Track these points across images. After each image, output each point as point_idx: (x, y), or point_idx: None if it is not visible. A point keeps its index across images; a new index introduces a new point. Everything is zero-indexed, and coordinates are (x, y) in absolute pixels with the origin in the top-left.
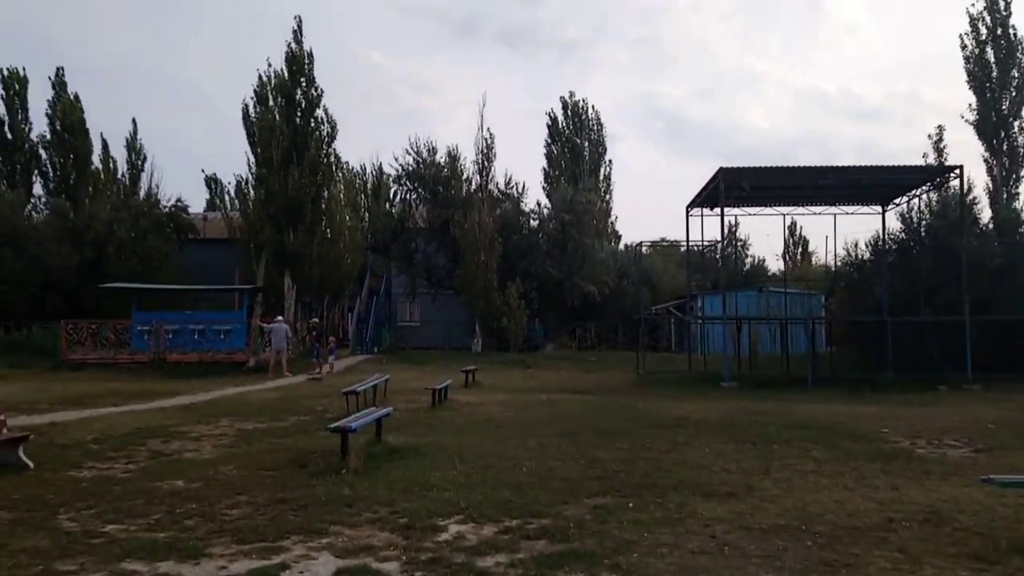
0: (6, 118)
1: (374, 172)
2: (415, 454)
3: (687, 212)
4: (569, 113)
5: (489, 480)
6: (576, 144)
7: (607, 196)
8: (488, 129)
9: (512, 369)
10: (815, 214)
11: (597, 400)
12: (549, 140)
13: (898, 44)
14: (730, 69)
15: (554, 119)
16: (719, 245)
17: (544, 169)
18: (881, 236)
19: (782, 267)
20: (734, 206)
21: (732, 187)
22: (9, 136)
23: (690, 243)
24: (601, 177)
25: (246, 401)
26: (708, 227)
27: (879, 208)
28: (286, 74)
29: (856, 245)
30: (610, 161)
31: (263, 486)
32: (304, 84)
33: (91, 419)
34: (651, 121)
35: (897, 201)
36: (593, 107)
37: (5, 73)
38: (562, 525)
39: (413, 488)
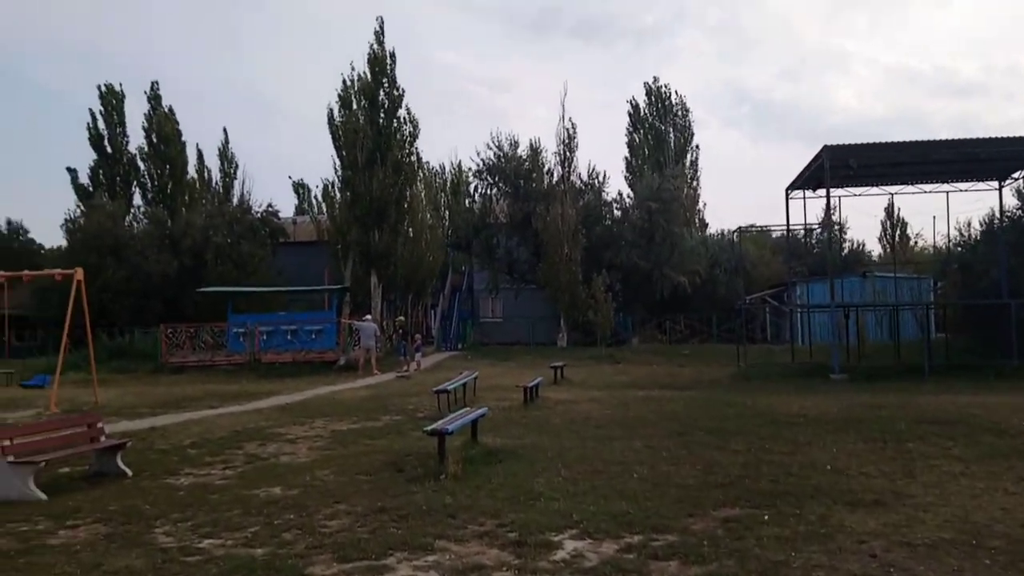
0: (105, 132)
1: (453, 170)
2: (514, 457)
3: (787, 195)
4: (652, 99)
5: (599, 488)
6: (660, 130)
7: (694, 183)
8: (569, 119)
9: (601, 364)
10: (925, 192)
11: (699, 396)
12: (631, 128)
13: (993, 16)
14: (816, 49)
15: (635, 106)
16: (817, 228)
17: (626, 158)
18: (998, 213)
19: (882, 250)
20: (838, 186)
21: (838, 166)
22: (109, 149)
23: (791, 227)
24: (688, 163)
25: (338, 400)
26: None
27: (995, 183)
28: (368, 76)
29: (968, 224)
30: (697, 147)
31: (361, 493)
32: (386, 85)
33: (190, 423)
34: (736, 106)
35: (1016, 175)
36: (677, 92)
37: (103, 89)
38: (692, 542)
39: (518, 497)
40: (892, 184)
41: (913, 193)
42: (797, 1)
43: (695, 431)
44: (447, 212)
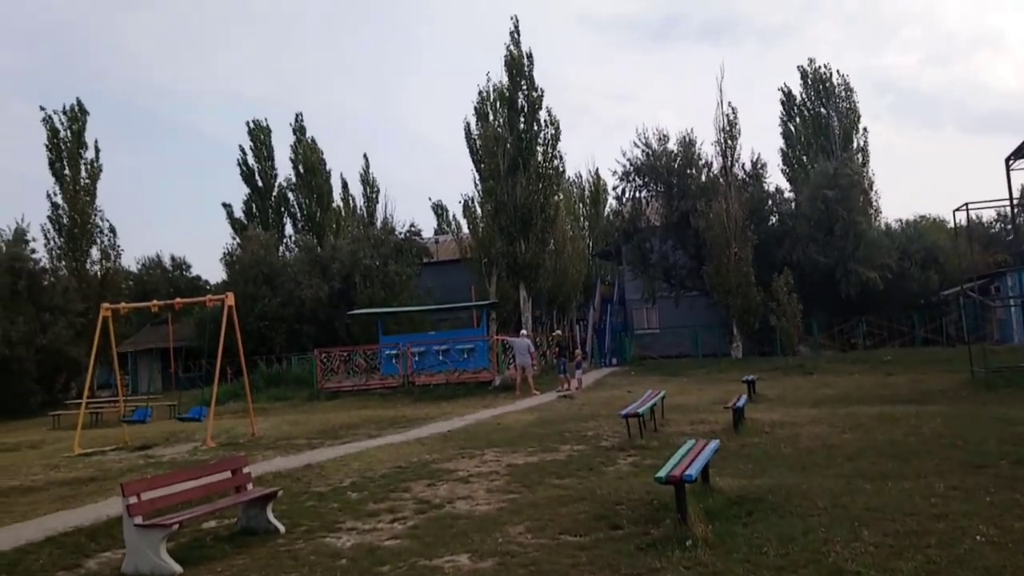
0: (256, 166)
1: (590, 179)
2: (769, 508)
3: (1007, 165)
4: (809, 82)
5: (938, 561)
6: (821, 115)
7: (865, 168)
8: (729, 103)
9: (791, 376)
10: None
11: (950, 411)
12: (784, 117)
13: None
14: (963, 29)
15: (788, 94)
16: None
17: (781, 150)
18: None
19: None
20: None
21: None
22: (259, 183)
23: (1013, 201)
24: (855, 148)
25: (504, 426)
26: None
27: None
28: (506, 79)
29: None
30: (865, 130)
31: (580, 569)
32: (525, 87)
33: (348, 457)
34: (877, 98)
35: None
36: (839, 71)
37: (251, 125)
38: None
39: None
40: None
41: None
42: None
43: (994, 461)
44: (586, 223)
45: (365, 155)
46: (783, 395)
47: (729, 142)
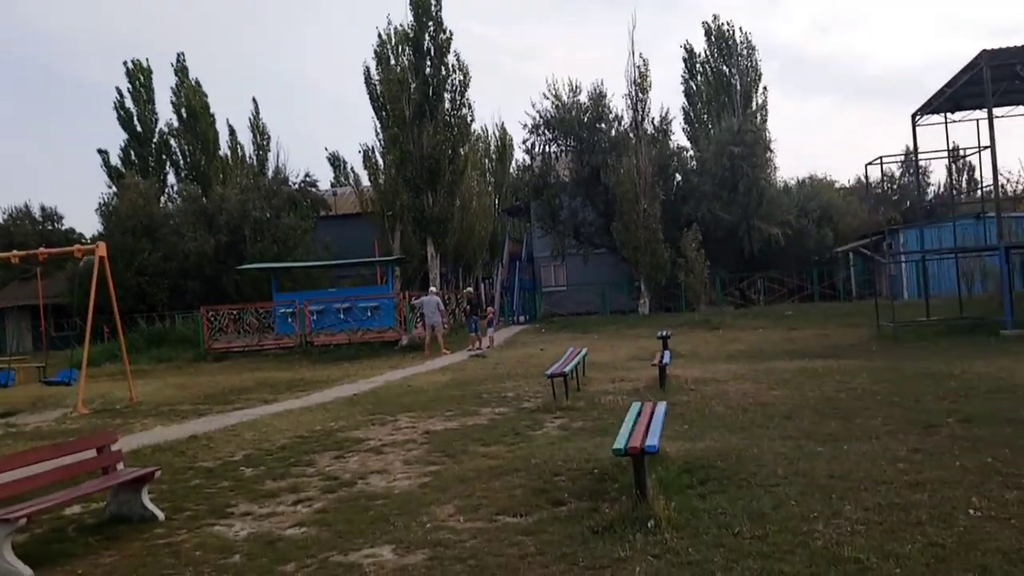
0: (134, 110)
1: (496, 134)
2: (721, 476)
3: (914, 120)
4: (713, 39)
5: (942, 545)
6: (723, 73)
7: (765, 127)
8: (640, 55)
9: (698, 331)
10: None
11: (869, 366)
12: (687, 75)
13: None
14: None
15: (690, 51)
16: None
17: (683, 108)
18: None
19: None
20: (974, 108)
21: (1002, 78)
22: (139, 128)
23: (919, 156)
24: (754, 107)
25: (416, 389)
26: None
27: None
28: (411, 18)
29: None
30: (765, 89)
31: (528, 560)
32: (432, 28)
33: (241, 426)
34: (764, 63)
35: None
36: (741, 29)
37: (130, 66)
38: None
39: (803, 558)
40: None
41: None
42: None
43: (941, 420)
44: (492, 179)
45: (255, 99)
46: (695, 351)
47: (640, 95)
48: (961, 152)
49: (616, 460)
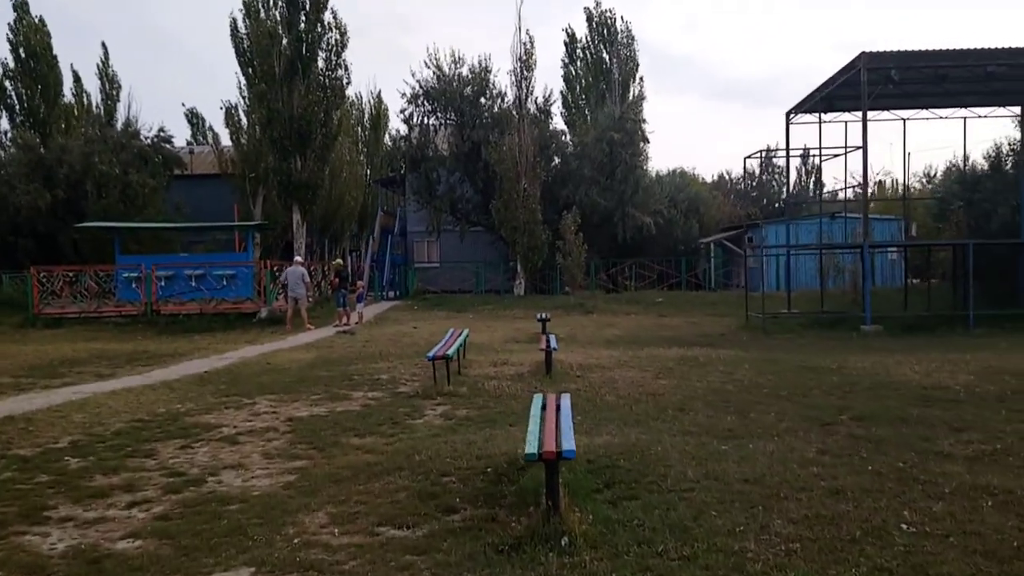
0: None
1: (371, 102)
2: (628, 478)
3: (787, 118)
4: (595, 25)
5: (888, 570)
6: (603, 61)
7: (642, 118)
8: (527, 31)
9: (572, 315)
10: (961, 117)
11: (747, 357)
12: (567, 60)
13: None
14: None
15: (572, 35)
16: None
17: (562, 93)
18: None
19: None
20: (845, 110)
21: (875, 81)
22: None
23: (790, 153)
24: (632, 97)
25: (276, 366)
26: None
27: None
28: None
29: (967, 160)
30: (642, 79)
31: None
32: None
33: (69, 406)
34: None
35: None
36: (623, 18)
37: None
38: None
39: None
40: (922, 107)
41: (953, 117)
42: None
43: (834, 417)
44: (365, 149)
45: (104, 44)
46: (573, 334)
47: (525, 72)
48: (808, 153)
49: (511, 458)
